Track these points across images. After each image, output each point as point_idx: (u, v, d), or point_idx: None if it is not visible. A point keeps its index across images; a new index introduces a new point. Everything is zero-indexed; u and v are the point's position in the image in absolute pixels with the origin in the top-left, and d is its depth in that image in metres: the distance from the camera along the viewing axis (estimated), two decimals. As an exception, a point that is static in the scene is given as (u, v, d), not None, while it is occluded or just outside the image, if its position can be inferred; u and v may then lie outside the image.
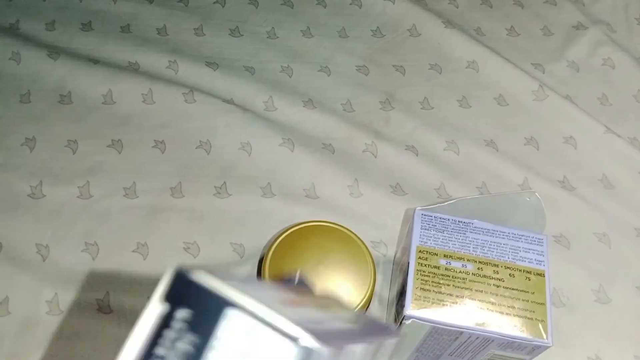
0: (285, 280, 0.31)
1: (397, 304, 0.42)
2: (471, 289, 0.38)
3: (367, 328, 0.21)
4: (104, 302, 0.45)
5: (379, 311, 0.47)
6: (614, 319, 0.49)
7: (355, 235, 0.45)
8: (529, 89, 0.60)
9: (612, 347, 0.47)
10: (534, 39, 0.66)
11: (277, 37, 0.64)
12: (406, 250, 0.43)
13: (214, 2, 0.66)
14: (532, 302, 0.38)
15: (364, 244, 0.45)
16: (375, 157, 0.55)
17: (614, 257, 0.51)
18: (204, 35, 0.63)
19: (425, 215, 0.41)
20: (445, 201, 0.43)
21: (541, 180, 0.55)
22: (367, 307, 0.44)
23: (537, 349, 0.38)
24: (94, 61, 0.59)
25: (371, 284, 0.43)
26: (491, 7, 0.68)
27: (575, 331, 0.48)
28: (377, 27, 0.65)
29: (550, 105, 0.59)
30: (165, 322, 0.16)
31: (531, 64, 0.63)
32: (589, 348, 0.47)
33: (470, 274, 0.39)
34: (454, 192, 0.53)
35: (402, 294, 0.41)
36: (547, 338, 0.37)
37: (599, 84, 0.62)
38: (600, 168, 0.56)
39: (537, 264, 0.39)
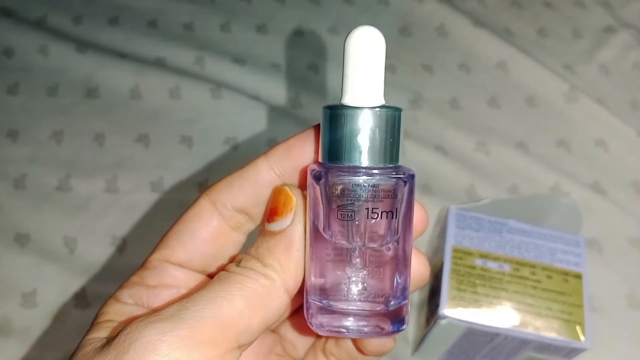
0: None
1: (429, 305, 0.41)
2: (508, 290, 0.37)
3: None
4: (132, 296, 0.45)
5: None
6: (646, 325, 0.48)
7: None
8: (559, 90, 0.59)
9: (644, 353, 0.46)
10: (564, 41, 0.65)
11: (303, 34, 0.63)
12: (438, 250, 0.42)
13: (241, -1, 0.66)
14: (569, 304, 0.37)
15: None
16: (403, 156, 0.55)
17: (646, 262, 0.51)
18: (231, 31, 0.63)
19: (460, 214, 0.40)
20: (480, 201, 0.43)
21: (572, 183, 0.54)
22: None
23: (573, 351, 0.37)
24: (121, 56, 0.59)
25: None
26: (520, 7, 0.67)
27: (606, 336, 0.47)
28: (405, 25, 0.65)
29: (581, 108, 0.59)
30: None
31: (561, 66, 0.62)
32: (620, 353, 0.46)
33: (507, 274, 0.38)
34: (484, 193, 0.53)
35: (434, 295, 0.40)
36: (585, 341, 0.36)
37: (630, 88, 0.62)
38: (632, 172, 0.55)
39: (574, 265, 0.39)
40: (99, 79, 0.58)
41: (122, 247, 0.48)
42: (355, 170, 0.21)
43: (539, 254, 0.39)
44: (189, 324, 0.20)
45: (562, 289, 0.38)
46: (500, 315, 0.36)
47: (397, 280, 0.22)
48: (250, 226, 0.26)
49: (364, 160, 0.21)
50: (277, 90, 0.58)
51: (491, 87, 0.60)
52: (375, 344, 0.25)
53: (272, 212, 0.23)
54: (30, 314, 0.45)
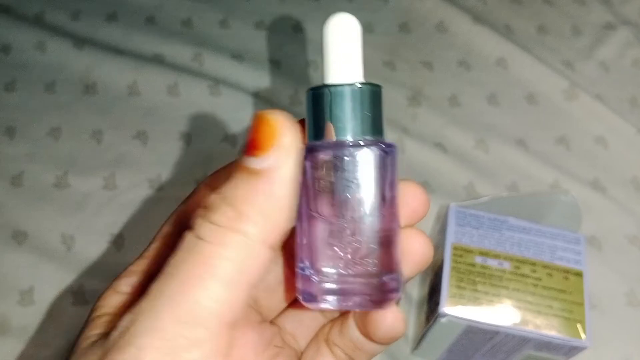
0: None
1: (429, 302, 0.41)
2: (508, 288, 0.37)
3: None
4: (130, 294, 0.45)
5: (406, 311, 0.47)
6: (645, 322, 0.48)
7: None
8: (559, 88, 0.59)
9: (643, 351, 0.46)
10: (564, 38, 0.65)
11: (303, 31, 0.63)
12: (438, 247, 0.42)
13: (240, -5, 0.66)
14: (570, 302, 0.37)
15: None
16: (403, 153, 0.54)
17: (645, 260, 0.50)
18: (229, 28, 0.63)
19: (460, 211, 0.40)
20: (479, 198, 0.43)
21: (572, 180, 0.54)
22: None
23: (574, 349, 0.37)
24: (119, 52, 0.59)
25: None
26: (520, 4, 0.67)
27: (606, 334, 0.47)
28: (404, 22, 0.64)
29: (580, 105, 0.58)
30: None
31: (561, 62, 0.62)
32: (619, 351, 0.46)
33: (507, 272, 0.38)
34: (483, 191, 0.52)
35: (433, 292, 0.40)
36: (585, 339, 0.36)
37: (629, 85, 0.61)
38: (631, 170, 0.55)
39: (575, 263, 0.38)
40: (97, 75, 0.57)
41: (120, 244, 0.48)
42: (338, 144, 0.22)
43: (539, 252, 0.39)
44: (159, 325, 0.18)
45: (562, 286, 0.37)
46: (501, 313, 0.36)
47: (386, 253, 0.22)
48: None
49: (347, 135, 0.22)
50: (276, 87, 0.58)
51: (491, 84, 0.60)
52: (384, 328, 0.24)
53: (251, 144, 0.19)
54: (28, 312, 0.44)
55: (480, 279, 0.37)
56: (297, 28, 0.63)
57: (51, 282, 0.46)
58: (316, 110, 0.22)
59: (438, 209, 0.50)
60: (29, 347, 0.43)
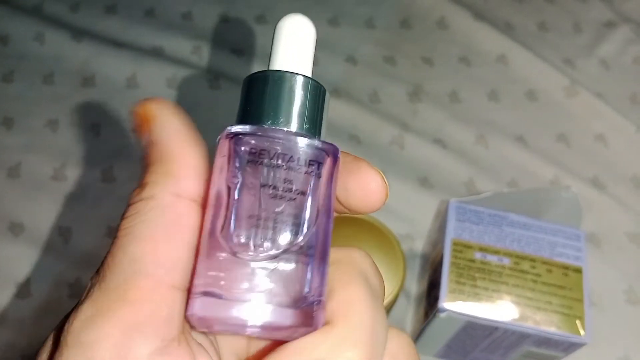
0: None
1: (428, 298, 0.41)
2: (507, 284, 0.37)
3: None
4: (127, 287, 0.45)
5: (405, 306, 0.47)
6: (644, 320, 0.47)
7: (385, 227, 0.44)
8: (559, 85, 0.59)
9: (642, 348, 0.46)
10: (564, 35, 0.64)
11: (304, 25, 0.63)
12: (437, 243, 0.42)
13: (240, -11, 0.65)
14: (569, 298, 0.37)
15: (394, 237, 0.44)
16: (402, 149, 0.54)
17: (645, 257, 0.50)
18: (229, 21, 0.62)
19: (460, 207, 0.40)
20: (480, 194, 0.42)
21: (572, 177, 0.53)
22: (395, 301, 0.43)
23: (573, 346, 0.37)
24: (118, 44, 0.58)
25: (401, 278, 0.42)
26: (521, 1, 0.67)
27: (605, 331, 0.47)
28: (405, 18, 0.64)
29: (581, 102, 0.58)
30: None
31: (561, 60, 0.62)
32: (618, 348, 0.46)
33: (507, 268, 0.38)
34: (483, 187, 0.52)
35: (433, 288, 0.40)
36: (584, 335, 0.36)
37: (630, 83, 0.61)
38: (631, 167, 0.55)
39: (575, 259, 0.38)
40: (95, 67, 0.57)
41: (118, 237, 0.48)
42: (273, 132, 0.19)
43: (539, 248, 0.38)
44: (93, 300, 0.17)
45: (562, 283, 0.37)
46: (500, 308, 0.36)
47: (310, 275, 0.18)
48: None
49: (284, 124, 0.19)
50: (275, 81, 0.58)
51: (491, 81, 0.60)
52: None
53: (135, 130, 0.20)
54: (24, 304, 0.44)
55: (480, 275, 0.37)
56: (297, 22, 0.63)
57: (48, 275, 0.45)
58: (253, 93, 0.20)
59: (438, 205, 0.50)
60: (26, 339, 0.43)
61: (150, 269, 0.17)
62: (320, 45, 0.64)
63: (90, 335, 0.17)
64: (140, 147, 0.20)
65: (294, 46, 0.21)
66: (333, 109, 0.56)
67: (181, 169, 0.19)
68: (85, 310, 0.17)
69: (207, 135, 0.60)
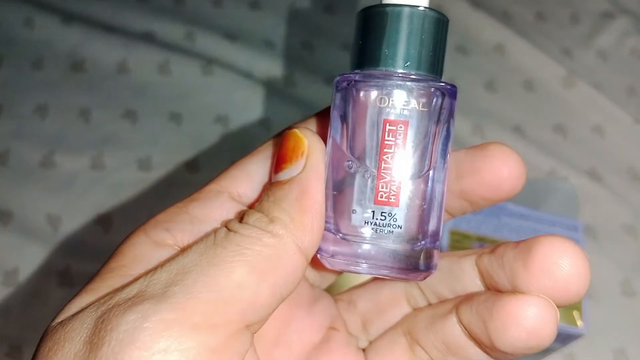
0: None
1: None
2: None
3: None
4: (117, 276, 0.44)
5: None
6: (639, 311, 0.47)
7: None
8: (557, 75, 0.59)
9: (637, 339, 0.46)
10: (562, 26, 0.64)
11: (298, 11, 0.62)
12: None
13: (234, -25, 0.64)
14: (567, 290, 0.36)
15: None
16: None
17: (640, 249, 0.50)
18: (223, 7, 0.61)
19: (457, 196, 0.39)
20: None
21: (568, 169, 0.53)
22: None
23: (570, 337, 0.36)
24: (109, 29, 0.57)
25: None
26: (518, -9, 0.66)
27: (601, 323, 0.46)
28: (402, 6, 0.63)
29: (578, 93, 0.58)
30: None
31: (559, 50, 0.61)
32: (614, 340, 0.46)
33: (504, 258, 0.37)
34: (479, 177, 0.52)
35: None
36: (582, 326, 0.36)
37: (627, 75, 0.61)
38: (628, 159, 0.55)
39: (573, 251, 0.38)
40: (86, 52, 0.56)
41: (108, 225, 0.47)
42: (390, 75, 0.18)
43: (537, 238, 0.38)
44: (177, 304, 0.16)
45: (559, 274, 0.37)
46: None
47: (426, 219, 0.19)
48: None
49: (400, 65, 0.18)
50: (270, 69, 0.57)
51: (488, 71, 0.59)
52: (518, 333, 0.17)
53: (280, 159, 0.19)
54: (12, 293, 0.43)
55: (477, 265, 0.37)
56: (292, 9, 0.62)
57: (36, 263, 0.45)
58: (367, 33, 0.19)
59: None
60: (13, 328, 0.42)
61: (244, 310, 0.17)
62: (316, 33, 0.63)
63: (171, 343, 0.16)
64: (275, 169, 0.19)
65: None
66: (328, 96, 0.55)
67: (314, 224, 0.18)
68: (149, 312, 0.16)
69: (199, 122, 0.59)
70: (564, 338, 0.36)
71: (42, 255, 0.45)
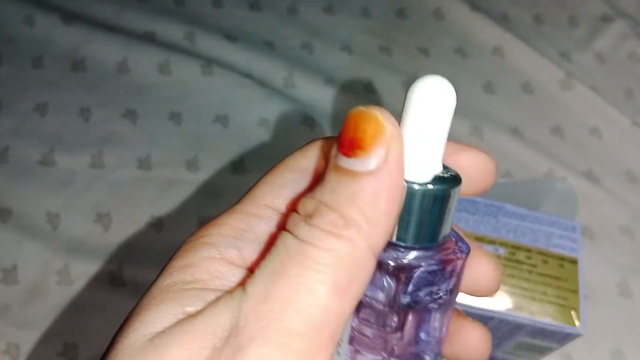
0: None
1: (422, 288, 0.41)
2: (503, 274, 0.37)
3: None
4: (117, 275, 0.44)
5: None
6: (636, 312, 0.47)
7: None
8: (555, 77, 0.59)
9: (634, 340, 0.46)
10: (560, 29, 0.64)
11: (298, 12, 0.62)
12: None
13: (234, -25, 0.64)
14: (565, 289, 0.37)
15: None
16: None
17: (637, 250, 0.50)
18: (223, 7, 0.61)
19: (456, 196, 0.40)
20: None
21: (566, 170, 0.53)
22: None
23: (567, 337, 0.37)
24: (110, 28, 0.57)
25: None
26: (517, -7, 0.66)
27: (598, 324, 0.46)
28: (401, 8, 0.64)
29: (576, 96, 0.58)
30: None
31: (557, 53, 0.62)
32: (611, 341, 0.46)
33: (502, 258, 0.37)
34: (478, 178, 0.52)
35: (427, 278, 0.39)
36: (579, 326, 0.36)
37: (625, 77, 0.61)
38: (625, 161, 0.55)
39: (570, 251, 0.38)
40: (86, 51, 0.56)
41: (107, 224, 0.47)
42: (407, 250, 0.18)
43: (534, 239, 0.38)
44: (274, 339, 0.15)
45: (557, 273, 0.37)
46: (495, 298, 0.36)
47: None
48: None
49: (411, 239, 0.18)
50: (269, 69, 0.57)
51: (487, 73, 0.59)
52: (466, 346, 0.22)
53: (353, 143, 0.16)
54: (11, 291, 0.43)
55: (476, 265, 0.37)
56: (292, 10, 0.62)
57: (35, 261, 0.45)
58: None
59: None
60: (12, 327, 0.42)
61: (333, 333, 0.16)
62: (316, 34, 0.64)
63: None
64: (344, 151, 0.16)
65: (427, 135, 0.17)
66: (327, 97, 0.55)
67: (389, 228, 0.17)
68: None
69: (199, 122, 0.59)
70: (561, 338, 0.37)
71: (41, 254, 0.45)
